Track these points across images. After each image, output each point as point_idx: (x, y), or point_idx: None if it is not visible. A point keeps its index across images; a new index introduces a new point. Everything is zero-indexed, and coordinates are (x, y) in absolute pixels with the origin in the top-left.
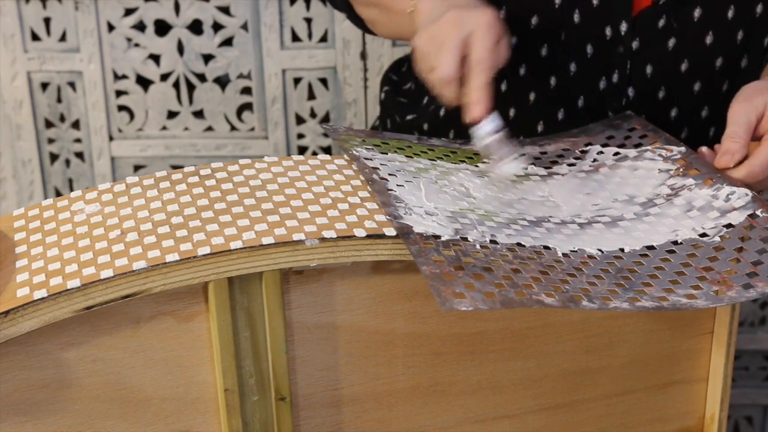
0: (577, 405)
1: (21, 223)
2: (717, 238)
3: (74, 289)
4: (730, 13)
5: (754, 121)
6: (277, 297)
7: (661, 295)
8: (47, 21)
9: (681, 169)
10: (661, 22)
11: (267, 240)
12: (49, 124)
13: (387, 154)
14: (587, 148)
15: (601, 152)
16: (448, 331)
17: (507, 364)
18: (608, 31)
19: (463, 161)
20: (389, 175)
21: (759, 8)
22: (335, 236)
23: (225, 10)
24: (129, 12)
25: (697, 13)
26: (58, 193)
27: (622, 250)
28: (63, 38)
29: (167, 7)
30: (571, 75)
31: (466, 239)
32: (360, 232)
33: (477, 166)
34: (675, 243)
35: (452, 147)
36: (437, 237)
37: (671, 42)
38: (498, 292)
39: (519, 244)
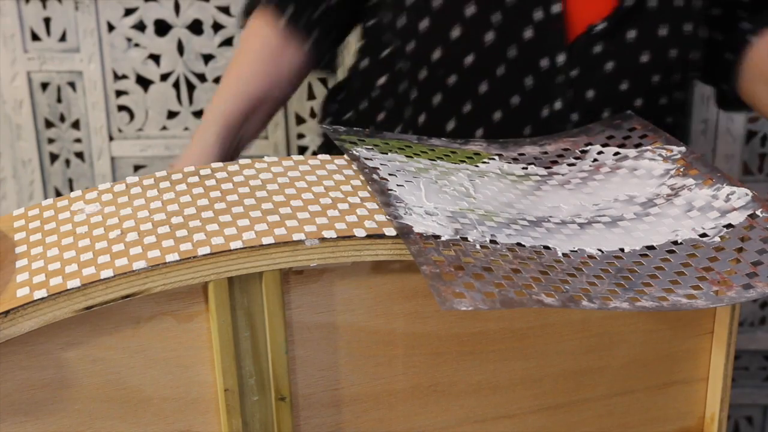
0: (577, 405)
1: (21, 223)
2: (717, 239)
3: (74, 289)
4: (663, 32)
5: None
6: (277, 297)
7: (661, 295)
8: (47, 21)
9: (681, 169)
10: (597, 48)
11: (267, 240)
12: (49, 124)
13: (387, 154)
14: (587, 148)
15: (601, 152)
16: (448, 331)
17: (507, 364)
18: (546, 63)
19: (463, 161)
20: (389, 175)
21: (689, 26)
22: (335, 236)
23: (225, 10)
24: (129, 12)
25: (631, 34)
26: (58, 193)
27: (622, 250)
28: (63, 38)
29: (167, 7)
30: (514, 108)
31: (466, 239)
32: (360, 232)
33: (477, 166)
34: (675, 243)
35: (452, 147)
36: (437, 237)
37: (609, 65)
38: (498, 292)
39: (519, 244)
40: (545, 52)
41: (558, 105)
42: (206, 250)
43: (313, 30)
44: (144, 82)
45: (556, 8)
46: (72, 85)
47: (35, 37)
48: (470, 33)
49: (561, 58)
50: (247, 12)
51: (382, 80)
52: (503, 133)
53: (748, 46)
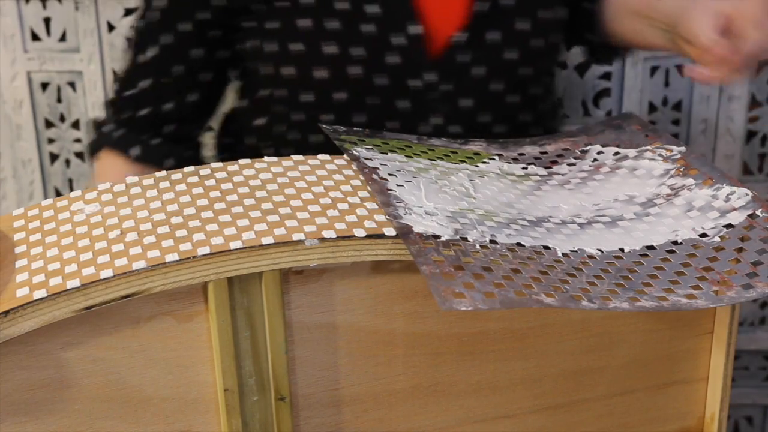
0: (577, 405)
1: (21, 223)
2: (717, 238)
3: (74, 289)
4: (523, 26)
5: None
6: (276, 297)
7: (661, 295)
8: (47, 21)
9: (681, 169)
10: (463, 58)
11: (267, 240)
12: (49, 124)
13: (387, 154)
14: (587, 148)
15: (601, 152)
16: (448, 331)
17: (507, 364)
18: (416, 83)
19: (463, 161)
20: (389, 175)
21: (547, 13)
22: (335, 236)
23: None
24: (129, 12)
25: (493, 36)
26: (58, 193)
27: (622, 250)
28: (63, 38)
29: None
30: (393, 130)
31: (465, 239)
32: (360, 232)
33: (477, 166)
34: (675, 243)
35: (452, 147)
36: (437, 237)
37: (479, 70)
38: (498, 292)
39: (519, 244)
40: (413, 73)
41: (435, 120)
42: (206, 250)
43: (169, 151)
44: None
45: (415, 29)
46: (72, 85)
47: (35, 37)
48: (336, 71)
49: (430, 76)
50: (93, 151)
51: (259, 121)
52: None
53: None
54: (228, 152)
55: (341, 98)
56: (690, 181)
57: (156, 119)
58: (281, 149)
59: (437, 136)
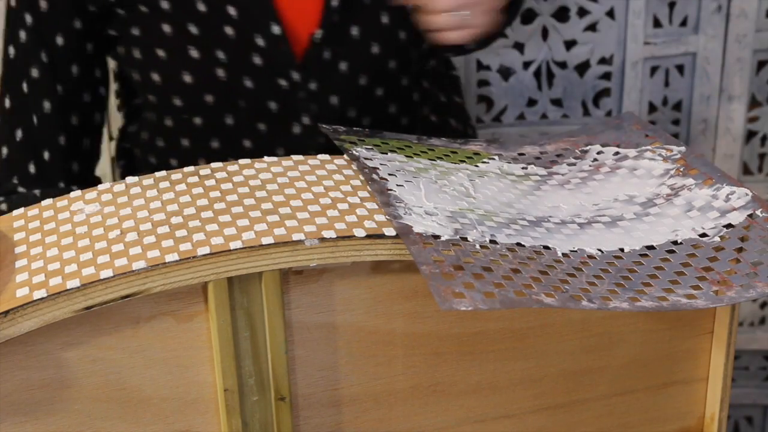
0: (577, 405)
1: (20, 223)
2: (717, 238)
3: (74, 289)
4: (386, 19)
5: None
6: (276, 297)
7: (661, 295)
8: None
9: (681, 169)
10: (326, 55)
11: (266, 240)
12: None
13: (387, 153)
14: (587, 147)
15: (601, 152)
16: (448, 331)
17: (507, 364)
18: (284, 83)
19: (463, 161)
20: (389, 175)
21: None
22: (335, 236)
23: None
24: None
25: (355, 31)
26: None
27: (622, 250)
28: None
29: None
30: (263, 134)
31: (465, 239)
32: (360, 232)
33: (477, 165)
34: (675, 243)
35: (452, 147)
36: (437, 237)
37: (343, 66)
38: (498, 292)
39: (519, 244)
40: (279, 73)
41: (306, 120)
42: (206, 250)
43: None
44: None
45: (275, 30)
46: None
47: None
48: (202, 75)
49: (296, 76)
50: None
51: (132, 128)
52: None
53: None
54: (125, 158)
55: (210, 101)
56: (690, 181)
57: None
58: (150, 156)
59: (308, 136)
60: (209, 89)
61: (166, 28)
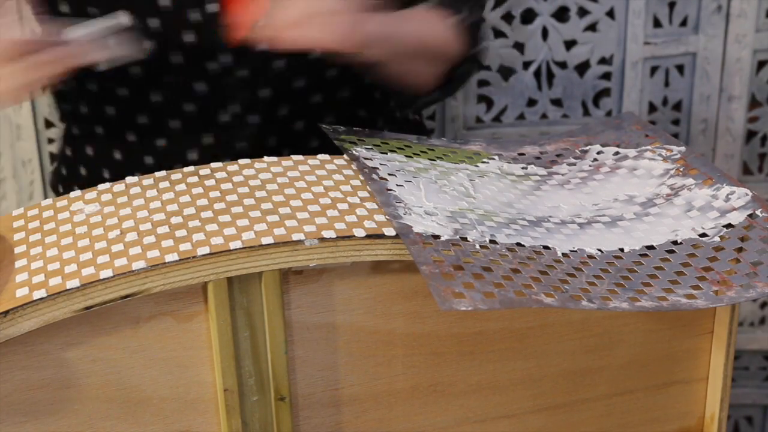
0: (577, 405)
1: (20, 223)
2: (717, 238)
3: (73, 289)
4: None
5: None
6: (276, 297)
7: (661, 295)
8: None
9: (681, 169)
10: (262, 46)
11: (266, 240)
12: (49, 124)
13: (386, 153)
14: (587, 147)
15: (601, 152)
16: (448, 331)
17: (507, 364)
18: (214, 66)
19: (463, 161)
20: (389, 174)
21: None
22: (335, 236)
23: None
24: None
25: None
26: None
27: (621, 250)
28: None
29: None
30: (191, 114)
31: (465, 239)
32: (359, 232)
33: (477, 165)
34: (675, 243)
35: (452, 147)
36: (437, 237)
37: (280, 63)
38: (498, 292)
39: (519, 244)
40: (211, 55)
41: (235, 108)
42: (206, 250)
43: None
44: None
45: (212, 7)
46: None
47: None
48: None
49: (227, 59)
50: None
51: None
52: (183, 142)
53: None
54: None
55: (136, 72)
56: (690, 181)
57: None
58: (74, 126)
59: (237, 126)
60: (137, 61)
61: None
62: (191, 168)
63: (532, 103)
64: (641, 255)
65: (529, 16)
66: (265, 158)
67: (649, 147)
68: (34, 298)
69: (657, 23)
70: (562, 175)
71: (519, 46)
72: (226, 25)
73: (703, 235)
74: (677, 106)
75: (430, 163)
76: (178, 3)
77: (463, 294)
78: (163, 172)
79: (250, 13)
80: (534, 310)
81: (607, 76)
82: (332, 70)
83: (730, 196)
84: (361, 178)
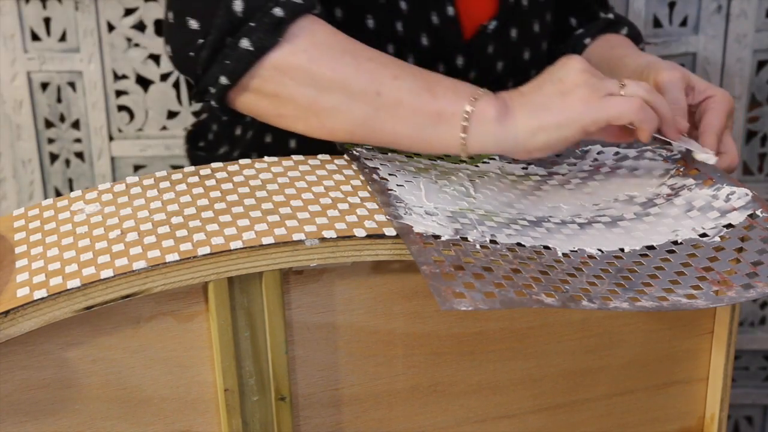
0: (577, 405)
1: (21, 223)
2: (717, 238)
3: (74, 289)
4: (537, 27)
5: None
6: (277, 297)
7: (661, 295)
8: (47, 21)
9: (681, 169)
10: (490, 48)
11: (267, 240)
12: (49, 124)
13: (387, 153)
14: (587, 148)
15: (601, 152)
16: (448, 331)
17: (507, 364)
18: (443, 68)
19: (463, 161)
20: (389, 175)
21: (550, 17)
22: (335, 236)
23: None
24: (129, 12)
25: (514, 33)
26: (58, 193)
27: (622, 250)
28: (63, 38)
29: None
30: None
31: (466, 239)
32: (360, 232)
33: (477, 165)
34: (675, 243)
35: None
36: (437, 237)
37: (499, 65)
38: (498, 292)
39: (519, 244)
40: (443, 56)
41: None
42: (206, 250)
43: None
44: (144, 82)
45: (450, 10)
46: (72, 85)
47: (35, 37)
48: (373, 45)
49: (459, 61)
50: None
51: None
52: None
53: (583, 48)
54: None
55: None
56: (690, 181)
57: None
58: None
59: None
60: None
61: None
62: (191, 168)
63: None
64: (641, 255)
65: None
66: (266, 158)
67: (649, 147)
68: (35, 298)
69: (657, 23)
70: (563, 175)
71: None
72: (460, 26)
73: (704, 235)
74: None
75: (431, 163)
76: (420, 5)
77: (463, 294)
78: (163, 172)
79: (480, 14)
80: (534, 310)
81: None
82: (534, 70)
83: (730, 196)
84: (362, 178)
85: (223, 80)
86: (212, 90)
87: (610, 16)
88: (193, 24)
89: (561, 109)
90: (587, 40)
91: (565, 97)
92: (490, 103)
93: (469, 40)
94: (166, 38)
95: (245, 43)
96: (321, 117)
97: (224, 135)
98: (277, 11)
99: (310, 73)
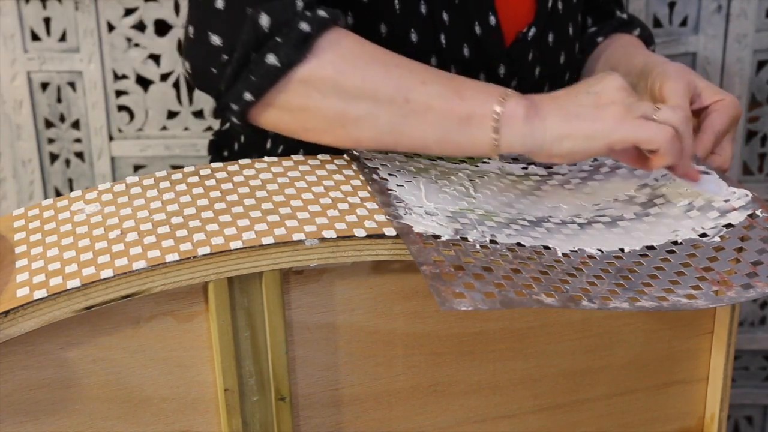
0: (577, 405)
1: (21, 223)
2: (717, 238)
3: (74, 289)
4: (571, 31)
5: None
6: (277, 297)
7: (661, 295)
8: (47, 21)
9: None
10: (530, 55)
11: (267, 240)
12: (49, 124)
13: (387, 153)
14: None
15: None
16: (448, 331)
17: (507, 364)
18: (485, 78)
19: (463, 161)
20: (389, 175)
21: (580, 20)
22: (335, 236)
23: None
24: (129, 12)
25: (551, 37)
26: (58, 193)
27: (622, 250)
28: (63, 38)
29: (167, 7)
30: None
31: (466, 239)
32: (360, 232)
33: (477, 165)
34: (675, 243)
35: None
36: (437, 237)
37: (537, 71)
38: (498, 292)
39: (519, 244)
40: (485, 65)
41: None
42: (206, 250)
43: None
44: (144, 82)
45: (492, 20)
46: (72, 85)
47: (35, 37)
48: (419, 58)
49: (501, 70)
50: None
51: None
52: None
53: (595, 46)
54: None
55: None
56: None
57: None
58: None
59: None
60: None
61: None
62: (191, 168)
63: None
64: (641, 255)
65: None
66: (266, 158)
67: None
68: (35, 298)
69: (657, 23)
70: (563, 175)
71: None
72: (502, 34)
73: (703, 235)
74: None
75: (431, 163)
76: (463, 15)
77: (463, 294)
78: (163, 172)
79: (518, 21)
80: (534, 310)
81: None
82: (568, 74)
83: (730, 197)
84: (362, 178)
85: (248, 96)
86: (234, 107)
87: (624, 16)
88: (216, 40)
89: (593, 120)
90: (600, 39)
91: (599, 110)
92: (520, 102)
93: (509, 48)
94: (185, 54)
95: (272, 59)
96: (348, 127)
97: (253, 147)
98: (304, 26)
99: (337, 84)
